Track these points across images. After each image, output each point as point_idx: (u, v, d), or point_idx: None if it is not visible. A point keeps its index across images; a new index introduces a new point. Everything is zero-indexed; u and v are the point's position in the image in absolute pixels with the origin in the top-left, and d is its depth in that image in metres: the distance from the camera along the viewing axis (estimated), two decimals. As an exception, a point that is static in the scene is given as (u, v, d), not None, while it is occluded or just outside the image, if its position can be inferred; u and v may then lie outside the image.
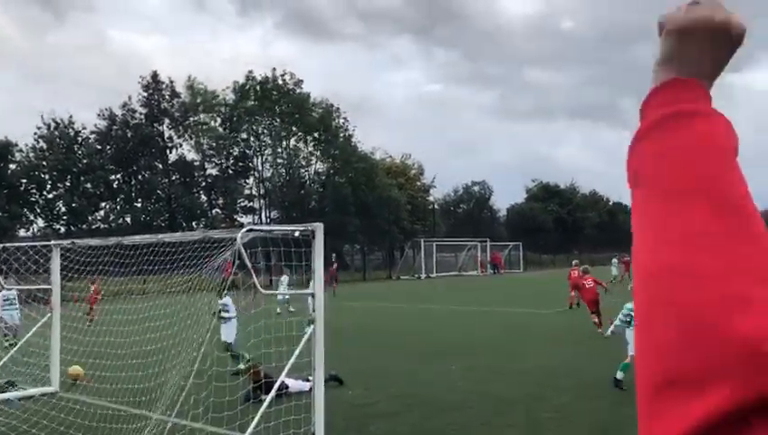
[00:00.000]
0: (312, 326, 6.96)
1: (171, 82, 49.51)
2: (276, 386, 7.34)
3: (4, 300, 14.09)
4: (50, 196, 45.47)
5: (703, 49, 0.82)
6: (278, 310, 16.95)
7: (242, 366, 10.77)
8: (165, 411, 8.10)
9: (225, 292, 12.55)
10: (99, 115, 47.71)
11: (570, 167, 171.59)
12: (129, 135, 47.78)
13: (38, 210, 45.25)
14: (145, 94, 48.69)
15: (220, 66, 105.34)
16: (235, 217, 52.31)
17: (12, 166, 43.57)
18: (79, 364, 10.85)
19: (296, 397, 8.50)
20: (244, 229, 6.81)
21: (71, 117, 46.26)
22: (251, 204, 54.66)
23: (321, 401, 6.96)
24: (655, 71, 0.85)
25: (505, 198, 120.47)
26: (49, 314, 11.39)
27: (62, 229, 44.62)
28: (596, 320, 18.35)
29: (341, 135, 55.82)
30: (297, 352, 6.94)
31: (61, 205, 45.76)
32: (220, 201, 52.47)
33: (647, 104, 0.82)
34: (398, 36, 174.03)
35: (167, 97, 49.54)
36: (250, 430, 6.98)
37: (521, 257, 65.32)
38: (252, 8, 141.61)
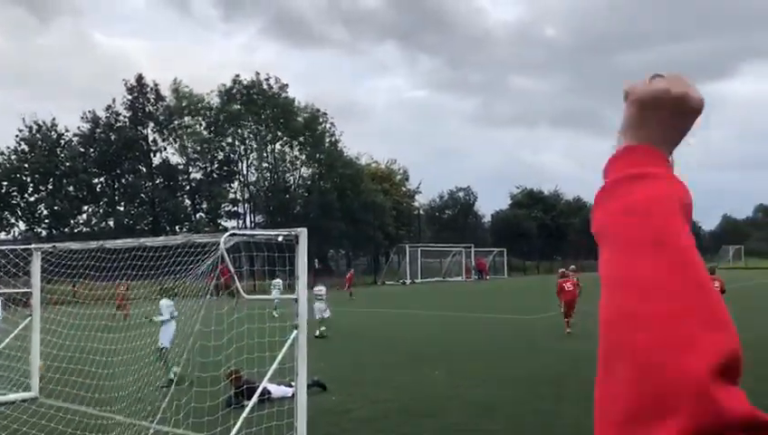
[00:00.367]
0: (295, 331, 6.96)
1: (156, 85, 49.35)
2: (258, 392, 7.33)
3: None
4: (31, 199, 45.01)
5: (662, 119, 0.90)
6: (274, 313, 16.48)
7: (172, 376, 10.82)
8: (147, 417, 8.05)
9: (163, 296, 12.53)
10: (82, 118, 47.43)
11: (553, 173, 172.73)
12: (112, 138, 47.44)
13: (19, 213, 44.76)
14: (129, 97, 48.43)
15: (205, 71, 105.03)
16: (219, 221, 52.04)
17: (-7, 168, 43.12)
18: (59, 369, 10.74)
19: (278, 402, 8.48)
20: (227, 234, 6.79)
21: (53, 119, 45.92)
22: (235, 208, 54.46)
23: (303, 406, 6.96)
24: (618, 138, 0.93)
25: (490, 204, 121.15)
26: (29, 317, 11.28)
27: (44, 232, 44.17)
28: (567, 321, 19.27)
29: (327, 140, 55.82)
30: (279, 357, 6.93)
31: (42, 208, 45.29)
32: (204, 205, 52.20)
33: (608, 169, 0.91)
34: (382, 42, 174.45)
35: (151, 100, 49.30)
36: (232, 435, 6.96)
37: (505, 263, 65.62)
38: (236, 14, 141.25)
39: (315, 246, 47.69)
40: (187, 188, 51.66)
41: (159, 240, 9.84)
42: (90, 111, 47.52)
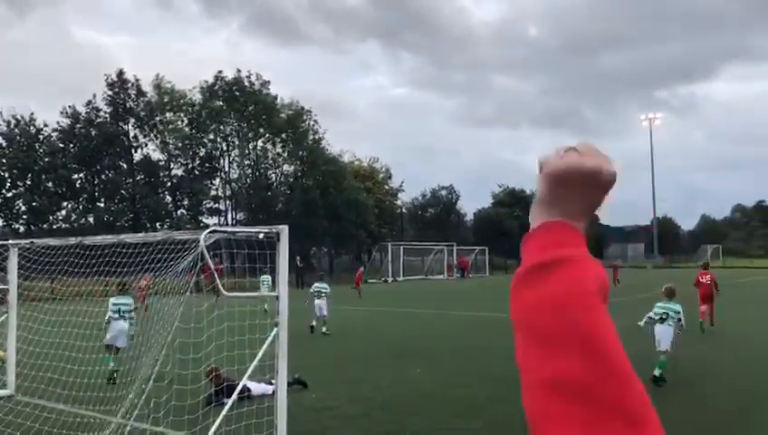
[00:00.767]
0: (276, 329, 6.93)
1: (137, 80, 48.87)
2: (238, 389, 7.29)
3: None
4: (9, 194, 44.39)
5: (574, 192, 0.88)
6: (266, 307, 15.45)
7: (115, 368, 11.07)
8: (125, 415, 7.98)
9: (119, 292, 12.49)
10: (62, 113, 46.81)
11: (535, 173, 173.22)
12: (92, 134, 46.91)
13: (-3, 209, 44.18)
14: (110, 93, 47.91)
15: (186, 67, 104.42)
16: (200, 218, 51.71)
17: (-30, 163, 42.49)
18: (36, 366, 10.61)
19: (258, 400, 8.45)
20: (208, 231, 6.75)
21: (32, 114, 45.30)
22: (217, 205, 54.17)
23: (283, 404, 6.93)
24: (532, 210, 0.92)
25: (472, 203, 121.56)
26: (5, 315, 11.14)
27: (22, 229, 43.60)
28: None
29: (310, 137, 55.66)
30: (260, 354, 6.90)
31: (21, 204, 44.71)
32: (185, 202, 51.82)
33: (524, 248, 0.89)
34: (365, 40, 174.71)
35: (132, 96, 48.82)
36: (211, 433, 6.92)
37: (487, 262, 65.89)
38: (218, 10, 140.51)
39: (297, 244, 47.60)
40: (169, 184, 51.25)
41: (139, 237, 9.75)
42: (69, 107, 47.02)
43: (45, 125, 45.84)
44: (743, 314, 22.71)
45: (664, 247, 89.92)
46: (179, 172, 51.95)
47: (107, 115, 47.92)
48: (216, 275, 6.55)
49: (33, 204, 43.94)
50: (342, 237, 55.59)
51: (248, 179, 53.98)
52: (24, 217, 44.72)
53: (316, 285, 19.53)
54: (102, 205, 48.00)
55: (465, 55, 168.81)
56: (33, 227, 43.47)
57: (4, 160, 43.63)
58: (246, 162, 54.32)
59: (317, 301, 18.95)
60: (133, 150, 49.42)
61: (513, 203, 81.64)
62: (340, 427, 9.04)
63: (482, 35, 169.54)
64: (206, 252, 6.50)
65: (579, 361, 0.75)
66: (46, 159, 44.97)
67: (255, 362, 7.19)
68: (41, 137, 45.75)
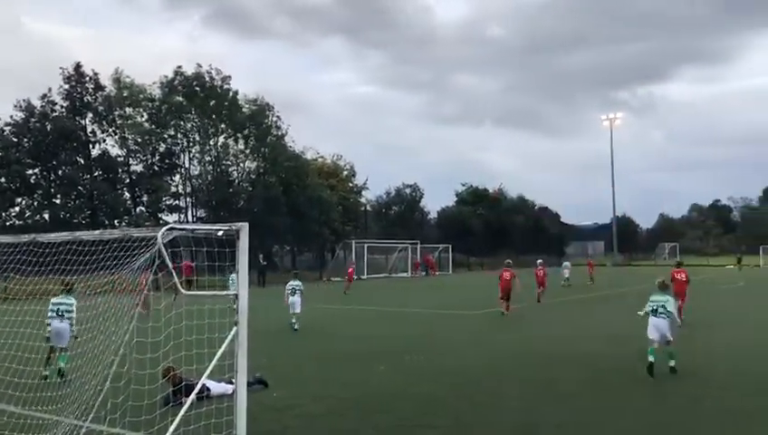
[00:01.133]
0: (236, 328, 6.82)
1: (96, 74, 47.78)
2: (197, 389, 7.16)
3: None
4: (-40, 190, 43.07)
5: None
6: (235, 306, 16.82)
7: (46, 373, 10.95)
8: (80, 416, 7.78)
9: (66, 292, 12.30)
10: (15, 106, 45.48)
11: (498, 171, 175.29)
12: (48, 128, 45.72)
13: (-53, 205, 42.81)
14: (67, 86, 46.74)
15: (145, 60, 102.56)
16: (160, 215, 50.87)
17: None
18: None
19: (218, 400, 8.32)
20: (165, 228, 6.58)
21: (-17, 108, 43.95)
22: (177, 202, 53.30)
23: (243, 403, 6.82)
24: None
25: (436, 201, 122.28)
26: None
27: (-26, 226, 42.31)
28: (504, 305, 22.88)
29: (274, 133, 55.16)
30: (219, 353, 6.78)
31: (-28, 200, 43.41)
32: (145, 199, 50.92)
33: None
34: (329, 36, 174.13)
35: (90, 90, 47.72)
36: (169, 433, 6.78)
37: (450, 259, 66.33)
38: (178, 3, 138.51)
39: (259, 242, 47.14)
40: (127, 180, 50.29)
41: (95, 234, 9.49)
42: (24, 100, 45.73)
43: (-2, 118, 44.57)
44: (706, 307, 23.28)
45: (623, 246, 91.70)
46: (139, 168, 51.03)
47: (63, 109, 46.77)
48: (173, 273, 6.41)
49: (-14, 200, 42.70)
50: (305, 235, 55.28)
51: (209, 176, 53.30)
52: (-24, 213, 43.43)
53: (291, 282, 19.96)
54: (59, 201, 46.88)
55: (430, 53, 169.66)
56: (-15, 224, 42.22)
57: (-46, 155, 42.31)
58: (207, 158, 53.64)
59: (291, 298, 19.42)
60: (91, 146, 48.33)
61: (476, 201, 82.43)
62: (303, 426, 8.97)
63: (446, 34, 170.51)
64: (163, 250, 6.34)
65: None
66: (-1, 154, 43.73)
67: (215, 362, 7.07)
68: (-7, 131, 44.45)
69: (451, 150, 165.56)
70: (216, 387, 9.52)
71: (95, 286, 10.42)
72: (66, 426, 7.81)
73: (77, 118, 47.22)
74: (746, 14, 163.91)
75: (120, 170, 49.79)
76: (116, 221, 47.19)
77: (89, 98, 47.61)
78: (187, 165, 53.48)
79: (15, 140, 45.10)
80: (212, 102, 52.54)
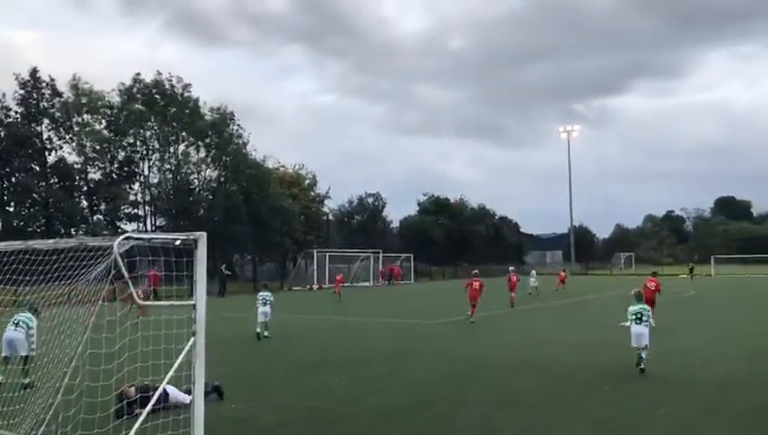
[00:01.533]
0: (193, 338, 6.76)
1: (53, 80, 46.77)
2: (154, 399, 7.07)
3: None
4: None
5: None
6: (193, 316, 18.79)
7: (26, 381, 10.90)
8: (30, 431, 7.60)
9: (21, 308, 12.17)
10: (-34, 112, 44.23)
11: (459, 181, 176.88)
12: (2, 134, 44.58)
13: None
14: (22, 92, 45.63)
15: (103, 67, 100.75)
16: (118, 224, 49.94)
17: None
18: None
19: (174, 412, 8.20)
20: (122, 237, 6.50)
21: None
22: (136, 211, 52.39)
23: (200, 415, 6.75)
24: None
25: (398, 210, 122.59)
26: None
27: None
28: (471, 311, 23.86)
29: (235, 142, 54.69)
30: (176, 364, 6.72)
31: None
32: (102, 207, 49.94)
33: None
34: (289, 44, 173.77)
35: (47, 96, 46.69)
36: (123, 447, 6.68)
37: (412, 269, 66.54)
38: (136, 8, 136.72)
39: (220, 251, 46.64)
40: (85, 188, 49.27)
41: (50, 243, 9.31)
42: (-25, 105, 44.46)
43: (-52, 124, 43.28)
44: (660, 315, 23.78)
45: (580, 255, 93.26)
46: (97, 176, 50.02)
47: (18, 115, 45.64)
48: (129, 284, 6.33)
49: (-65, 208, 41.34)
50: (267, 245, 54.86)
51: (169, 184, 52.56)
52: (-76, 221, 42.03)
53: (261, 293, 20.49)
54: (12, 209, 45.67)
55: (391, 64, 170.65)
56: (-67, 233, 40.87)
57: None
58: (167, 166, 52.89)
59: (263, 308, 19.85)
60: (47, 153, 47.24)
61: (437, 211, 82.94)
62: (260, 437, 8.90)
63: (407, 45, 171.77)
64: (119, 259, 6.26)
65: None
66: (-51, 160, 42.45)
67: (171, 373, 6.99)
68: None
69: (413, 160, 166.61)
70: (175, 393, 9.36)
71: (49, 298, 10.21)
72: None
73: (33, 124, 46.12)
74: (699, 31, 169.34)
75: (77, 178, 48.76)
76: (72, 230, 46.14)
77: (45, 104, 46.59)
78: (146, 173, 52.69)
79: (-34, 145, 43.87)
80: (173, 110, 51.89)
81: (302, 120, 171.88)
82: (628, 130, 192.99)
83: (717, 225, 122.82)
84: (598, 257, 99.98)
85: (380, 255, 61.29)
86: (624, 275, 79.55)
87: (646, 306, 13.63)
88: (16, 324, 12.06)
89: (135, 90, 51.14)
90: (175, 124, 52.22)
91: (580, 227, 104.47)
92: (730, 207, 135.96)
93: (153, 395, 7.17)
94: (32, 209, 46.01)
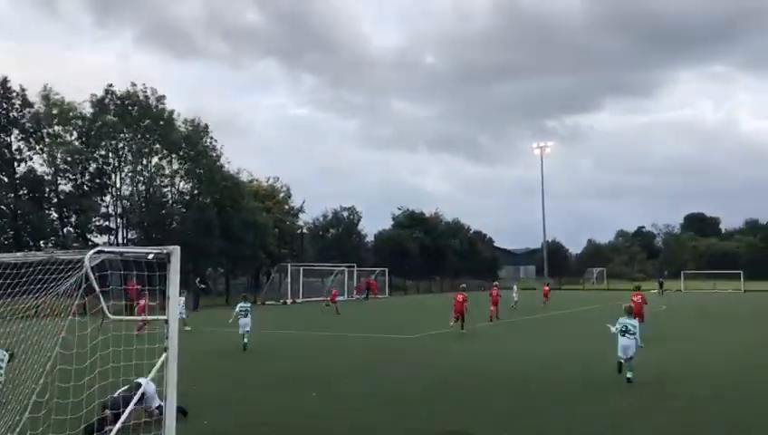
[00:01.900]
0: (165, 354, 6.67)
1: (23, 90, 46.08)
2: (126, 413, 6.95)
3: None
4: None
5: None
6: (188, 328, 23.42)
7: None
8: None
9: None
10: (-67, 121, 43.34)
11: (433, 195, 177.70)
12: (-31, 144, 43.77)
13: None
14: (-9, 102, 44.88)
15: (74, 77, 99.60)
16: (89, 236, 49.18)
17: None
18: None
19: (146, 427, 8.07)
20: (93, 251, 6.41)
21: None
22: (107, 223, 51.62)
23: (172, 431, 6.67)
24: None
25: (373, 224, 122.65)
26: None
27: None
28: (455, 322, 24.88)
29: (209, 155, 54.29)
30: (147, 379, 6.63)
31: None
32: (73, 219, 49.15)
33: None
34: (264, 58, 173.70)
35: (17, 106, 45.96)
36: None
37: (386, 283, 66.48)
38: (110, 20, 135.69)
39: (192, 264, 46.11)
40: (55, 200, 48.48)
41: (18, 256, 9.15)
42: (-58, 115, 43.62)
43: None
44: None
45: (553, 270, 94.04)
46: (67, 188, 49.20)
47: (-14, 125, 44.85)
48: (101, 298, 6.24)
49: None
50: (240, 258, 54.41)
51: (141, 197, 51.94)
52: None
53: (241, 304, 21.24)
54: (-21, 221, 44.73)
55: (365, 78, 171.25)
56: None
57: None
58: (140, 179, 52.28)
59: (243, 319, 20.55)
60: (16, 164, 46.44)
61: (412, 225, 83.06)
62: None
63: (381, 60, 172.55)
64: (90, 273, 6.18)
65: None
66: None
67: (143, 389, 6.88)
68: None
69: (387, 174, 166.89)
70: (150, 389, 8.97)
71: (17, 311, 10.00)
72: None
73: (2, 135, 45.31)
74: (669, 51, 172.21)
75: (47, 190, 47.95)
76: (41, 242, 45.31)
77: (15, 114, 45.86)
78: (118, 185, 52.01)
79: (-67, 155, 42.95)
80: (146, 122, 51.41)
81: (275, 133, 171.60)
82: (600, 147, 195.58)
83: (687, 241, 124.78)
84: (571, 272, 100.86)
85: (355, 269, 61.15)
86: (596, 289, 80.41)
87: (633, 321, 14.52)
88: None
89: (107, 101, 50.61)
90: (148, 136, 51.72)
91: (553, 242, 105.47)
92: (699, 224, 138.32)
93: (123, 413, 7.05)
94: (0, 221, 45.11)
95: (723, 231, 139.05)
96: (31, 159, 47.01)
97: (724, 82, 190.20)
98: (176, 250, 6.76)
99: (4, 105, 45.35)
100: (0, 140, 45.14)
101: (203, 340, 20.22)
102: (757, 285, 68.57)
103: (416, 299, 56.91)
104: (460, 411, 11.30)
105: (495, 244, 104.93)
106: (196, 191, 53.70)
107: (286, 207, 66.35)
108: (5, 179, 45.90)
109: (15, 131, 46.05)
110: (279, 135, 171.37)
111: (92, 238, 49.09)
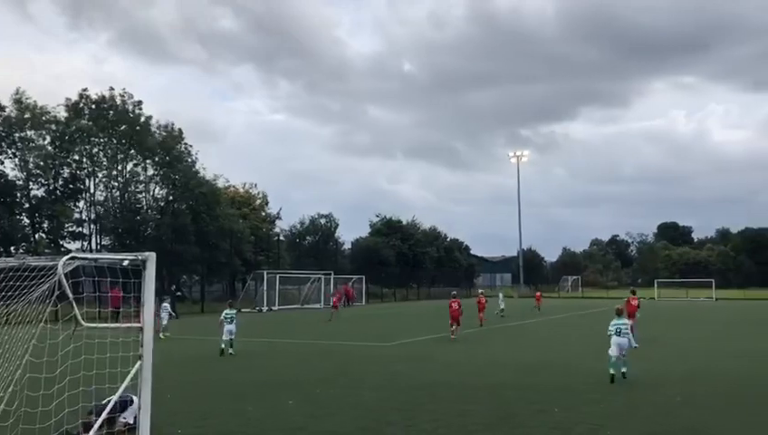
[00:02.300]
0: (140, 362, 6.56)
1: (-6, 94, 45.37)
2: (96, 424, 6.82)
3: None
4: None
5: None
6: (161, 335, 24.22)
7: None
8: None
9: None
10: None
11: (410, 202, 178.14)
12: (-62, 148, 42.93)
13: None
14: (-39, 106, 44.11)
15: (46, 81, 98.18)
16: (61, 242, 48.41)
17: None
18: None
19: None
20: (67, 257, 6.30)
21: None
22: (80, 229, 50.90)
23: (146, 442, 6.54)
24: None
25: (350, 232, 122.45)
26: None
27: None
28: (453, 329, 25.37)
29: (185, 160, 53.86)
30: (121, 389, 6.51)
31: None
32: (45, 225, 48.37)
33: None
34: (240, 63, 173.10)
35: (-12, 110, 45.21)
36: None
37: (363, 291, 66.31)
38: (83, 23, 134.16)
39: (167, 271, 45.63)
40: (27, 205, 47.68)
41: (-12, 262, 8.96)
42: None
43: None
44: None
45: (529, 277, 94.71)
46: (40, 193, 48.50)
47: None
48: (74, 305, 6.11)
49: None
50: (215, 265, 53.94)
51: (116, 202, 51.32)
52: None
53: (226, 311, 21.27)
54: (-52, 226, 43.82)
55: (341, 85, 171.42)
56: None
57: None
58: (114, 184, 51.67)
59: (227, 326, 20.61)
60: (-13, 168, 45.63)
61: (389, 232, 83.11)
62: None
63: (357, 66, 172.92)
64: (63, 280, 6.05)
65: None
66: None
67: (116, 397, 6.76)
68: None
69: (364, 181, 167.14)
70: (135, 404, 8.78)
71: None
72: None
73: (-28, 139, 44.57)
74: (642, 61, 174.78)
75: (18, 195, 47.16)
76: (12, 248, 44.52)
77: (-14, 118, 45.10)
78: (92, 190, 51.34)
79: None
80: (122, 127, 50.88)
81: (251, 139, 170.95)
82: (574, 156, 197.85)
83: (660, 249, 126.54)
84: (546, 280, 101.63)
85: (332, 276, 60.93)
86: (571, 297, 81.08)
87: (625, 321, 15.70)
88: None
89: (82, 105, 50.00)
90: (124, 141, 51.18)
91: (528, 250, 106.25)
92: (672, 233, 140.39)
93: (96, 420, 6.92)
94: (-31, 226, 44.25)
95: (695, 240, 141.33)
96: (2, 163, 46.33)
97: (696, 92, 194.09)
98: (151, 257, 6.66)
99: (-25, 109, 44.59)
100: (-30, 143, 44.35)
101: (179, 347, 19.96)
102: (728, 293, 69.67)
103: (393, 307, 56.87)
104: (435, 420, 11.26)
105: (472, 252, 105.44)
106: (171, 197, 53.21)
107: (263, 213, 66.01)
108: (-25, 184, 45.08)
109: (-14, 135, 45.27)
110: (255, 141, 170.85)
111: (65, 244, 48.36)
